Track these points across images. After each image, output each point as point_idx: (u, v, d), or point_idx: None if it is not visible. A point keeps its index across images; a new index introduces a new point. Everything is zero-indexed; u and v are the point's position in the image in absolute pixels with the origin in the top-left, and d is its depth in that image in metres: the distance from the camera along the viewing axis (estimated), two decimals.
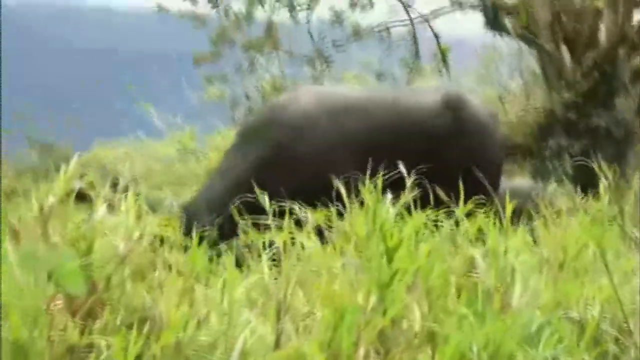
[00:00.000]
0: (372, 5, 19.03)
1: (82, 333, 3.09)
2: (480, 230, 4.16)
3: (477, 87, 19.39)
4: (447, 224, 4.16)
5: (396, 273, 3.34)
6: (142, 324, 3.21)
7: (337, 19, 19.03)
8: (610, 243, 4.39)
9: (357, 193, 4.09)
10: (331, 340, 3.11)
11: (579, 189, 7.10)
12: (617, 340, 3.68)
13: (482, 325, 3.31)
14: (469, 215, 4.27)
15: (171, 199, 7.37)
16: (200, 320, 3.15)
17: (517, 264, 3.76)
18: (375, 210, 3.67)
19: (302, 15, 18.82)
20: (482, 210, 4.25)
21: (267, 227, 4.44)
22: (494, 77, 20.08)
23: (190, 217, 6.12)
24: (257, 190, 4.72)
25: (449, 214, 4.30)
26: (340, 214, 4.44)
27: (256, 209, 4.79)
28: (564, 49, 15.48)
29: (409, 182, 4.10)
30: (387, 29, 18.88)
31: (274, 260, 3.99)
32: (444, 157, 7.26)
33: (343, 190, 4.38)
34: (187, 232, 4.23)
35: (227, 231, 5.16)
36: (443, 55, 18.64)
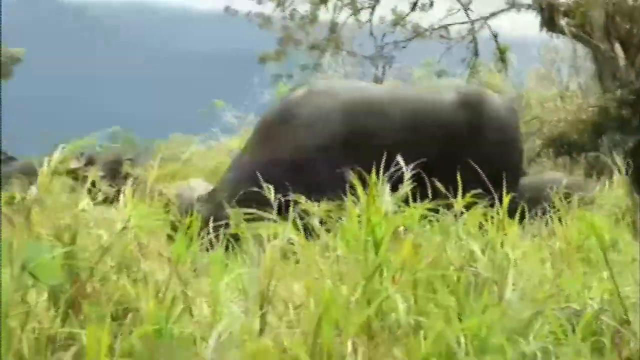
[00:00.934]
0: (432, 4, 19.38)
1: (63, 324, 3.04)
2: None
3: (538, 86, 19.66)
4: (448, 218, 4.03)
5: (380, 265, 3.24)
6: (125, 316, 3.16)
7: (398, 19, 19.47)
8: (618, 235, 4.28)
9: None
10: (315, 331, 3.02)
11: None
12: (617, 332, 3.54)
13: (468, 318, 3.20)
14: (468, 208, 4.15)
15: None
16: (180, 311, 3.08)
17: (511, 257, 3.63)
18: (367, 204, 3.56)
19: (364, 17, 19.56)
20: (483, 204, 4.12)
21: (272, 220, 4.38)
22: (555, 77, 20.18)
23: (208, 207, 6.13)
24: (262, 183, 4.64)
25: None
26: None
27: (267, 202, 4.72)
28: (618, 49, 15.62)
29: (407, 176, 3.97)
30: (446, 28, 19.42)
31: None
32: (463, 155, 6.94)
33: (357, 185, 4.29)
34: (206, 221, 4.23)
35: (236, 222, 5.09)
36: (502, 54, 19.21)
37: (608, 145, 14.09)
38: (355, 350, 3.07)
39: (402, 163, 4.01)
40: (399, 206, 3.75)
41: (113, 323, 3.08)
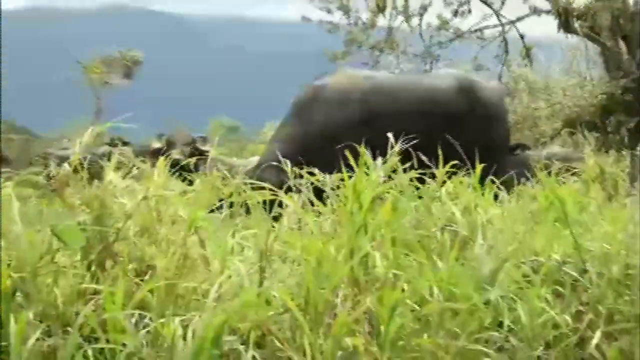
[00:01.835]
0: (470, 11, 23.13)
1: (92, 280, 3.48)
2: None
3: (562, 77, 22.91)
4: (433, 185, 4.43)
5: (362, 226, 3.63)
6: (146, 273, 3.59)
7: (443, 24, 23.42)
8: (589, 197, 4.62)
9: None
10: (307, 283, 3.42)
11: None
12: (576, 280, 3.91)
13: (440, 271, 3.58)
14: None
15: None
16: (188, 266, 3.50)
17: (483, 218, 4.02)
18: (358, 175, 3.94)
19: (414, 22, 23.46)
20: (462, 174, 4.54)
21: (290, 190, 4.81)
22: (575, 69, 23.74)
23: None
24: (280, 158, 5.04)
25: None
26: None
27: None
28: (621, 45, 18.47)
29: (395, 149, 4.36)
30: (482, 31, 23.07)
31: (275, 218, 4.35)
32: (458, 131, 7.68)
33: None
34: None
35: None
36: (527, 52, 22.65)
37: (614, 125, 17.21)
38: (344, 299, 3.49)
39: (392, 139, 4.42)
40: (389, 176, 4.15)
41: (136, 278, 3.53)
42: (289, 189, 4.66)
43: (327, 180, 4.60)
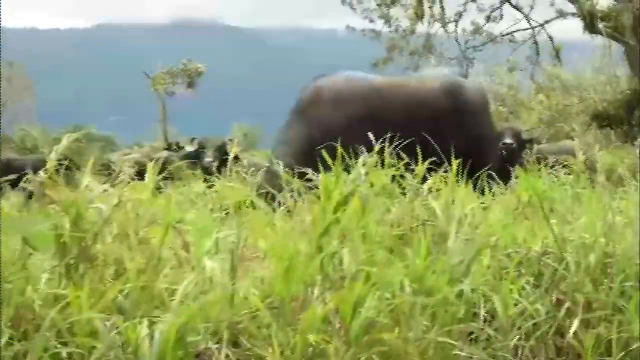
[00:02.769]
0: (502, 17, 25.04)
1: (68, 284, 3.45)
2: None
3: (592, 76, 23.73)
4: (412, 183, 4.37)
5: (330, 224, 3.57)
6: (121, 275, 3.56)
7: (477, 29, 25.40)
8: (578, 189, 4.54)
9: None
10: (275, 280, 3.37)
11: None
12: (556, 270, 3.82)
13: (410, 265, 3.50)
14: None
15: None
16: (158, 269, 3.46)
17: (460, 213, 3.94)
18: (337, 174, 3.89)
19: (451, 29, 25.61)
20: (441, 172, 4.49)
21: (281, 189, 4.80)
22: (606, 67, 24.02)
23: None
24: (273, 159, 5.01)
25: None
26: None
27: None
28: None
29: (375, 149, 4.32)
30: (513, 35, 25.12)
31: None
32: (444, 131, 8.10)
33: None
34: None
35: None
36: (557, 53, 24.40)
37: (638, 118, 18.05)
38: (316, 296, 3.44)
39: (372, 138, 4.39)
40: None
41: (113, 282, 3.50)
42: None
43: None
